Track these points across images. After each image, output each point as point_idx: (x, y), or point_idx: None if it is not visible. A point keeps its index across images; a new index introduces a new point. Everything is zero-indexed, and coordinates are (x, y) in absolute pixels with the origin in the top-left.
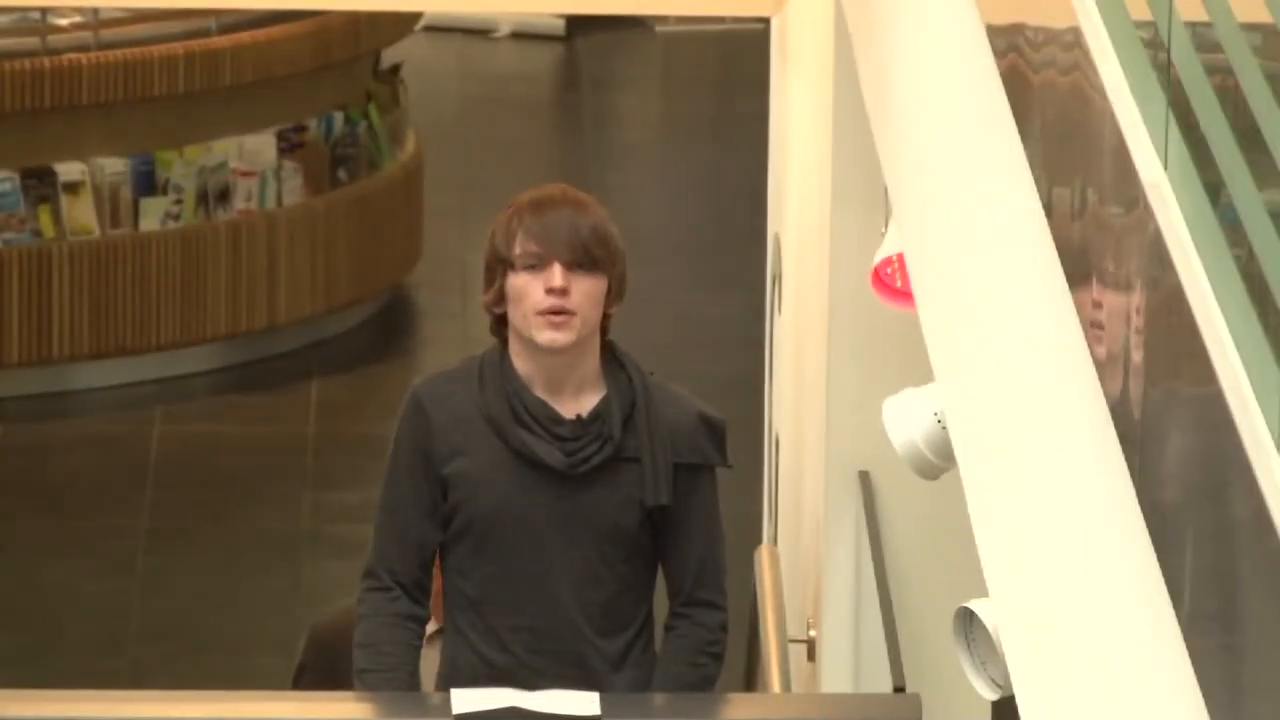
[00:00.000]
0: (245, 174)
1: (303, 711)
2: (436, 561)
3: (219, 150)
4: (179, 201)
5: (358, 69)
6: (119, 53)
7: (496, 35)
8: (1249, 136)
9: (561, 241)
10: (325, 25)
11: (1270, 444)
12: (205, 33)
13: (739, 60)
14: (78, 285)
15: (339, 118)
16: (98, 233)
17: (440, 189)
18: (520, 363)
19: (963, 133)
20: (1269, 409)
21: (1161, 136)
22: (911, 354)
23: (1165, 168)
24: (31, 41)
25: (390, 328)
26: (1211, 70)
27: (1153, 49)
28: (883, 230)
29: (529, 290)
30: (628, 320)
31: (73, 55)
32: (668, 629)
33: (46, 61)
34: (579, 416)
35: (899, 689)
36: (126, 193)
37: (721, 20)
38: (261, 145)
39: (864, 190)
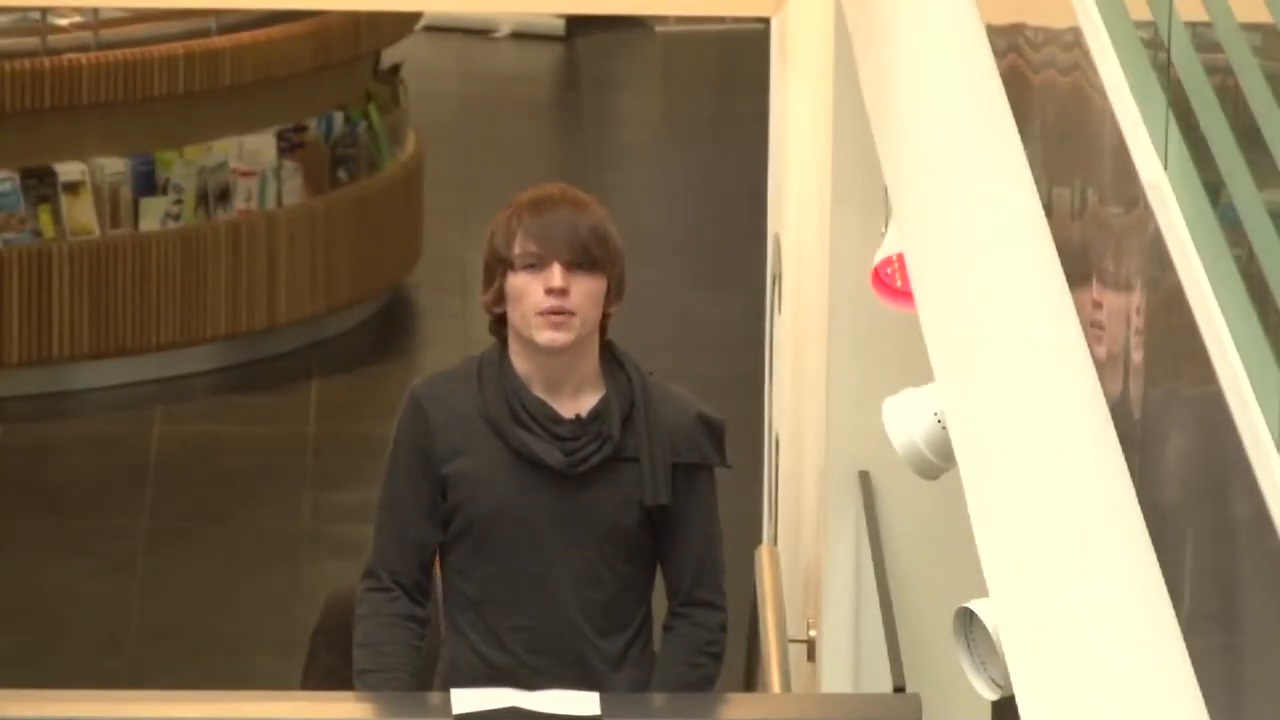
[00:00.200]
0: (245, 174)
1: (303, 711)
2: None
3: (219, 150)
4: (179, 201)
5: (358, 69)
6: (119, 53)
7: (496, 35)
8: (1249, 136)
9: (561, 241)
10: (325, 25)
11: (1270, 444)
12: (205, 33)
13: (739, 60)
14: (78, 285)
15: (339, 118)
16: (98, 233)
17: (440, 189)
18: (519, 362)
19: (963, 133)
20: (1269, 409)
21: (1161, 136)
22: (911, 354)
23: (1165, 168)
24: (31, 41)
25: (390, 328)
26: (1211, 70)
27: (1153, 49)
28: (883, 230)
29: (528, 290)
30: (628, 320)
31: (73, 55)
32: (666, 629)
33: (46, 61)
34: (578, 416)
35: (899, 689)
36: (126, 193)
37: (721, 20)
38: (261, 145)
39: (864, 190)
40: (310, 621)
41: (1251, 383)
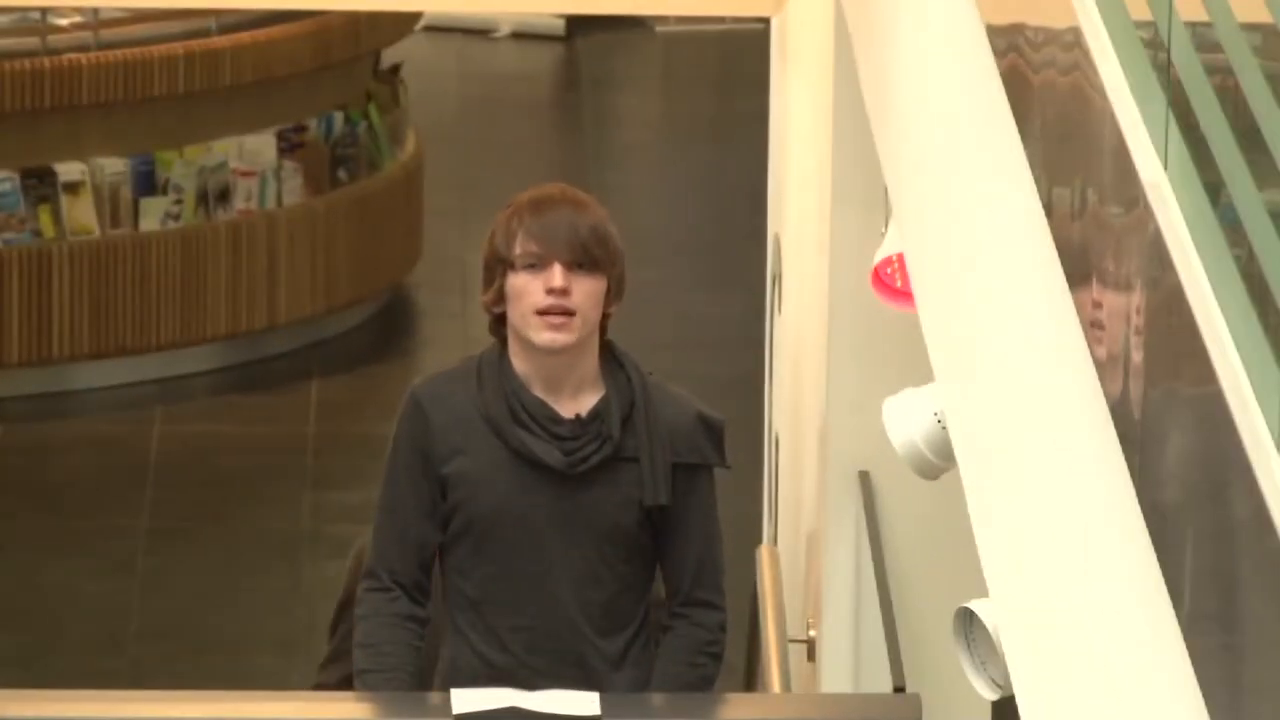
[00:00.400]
0: (245, 174)
1: (303, 711)
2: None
3: (219, 150)
4: (179, 201)
5: (358, 69)
6: (119, 53)
7: (496, 35)
8: (1249, 136)
9: (561, 241)
10: (325, 25)
11: (1270, 444)
12: (205, 33)
13: (739, 60)
14: (78, 285)
15: (339, 118)
16: (98, 233)
17: (440, 189)
18: (519, 362)
19: (963, 133)
20: (1269, 409)
21: (1161, 136)
22: (911, 354)
23: (1165, 168)
24: (31, 41)
25: (390, 328)
26: (1211, 70)
27: (1153, 49)
28: (883, 230)
29: (529, 290)
30: (628, 320)
31: (73, 55)
32: (666, 629)
33: (46, 61)
34: (578, 416)
35: (899, 689)
36: (126, 193)
37: (721, 20)
38: (261, 145)
39: (864, 190)
40: (310, 621)
41: (1251, 383)
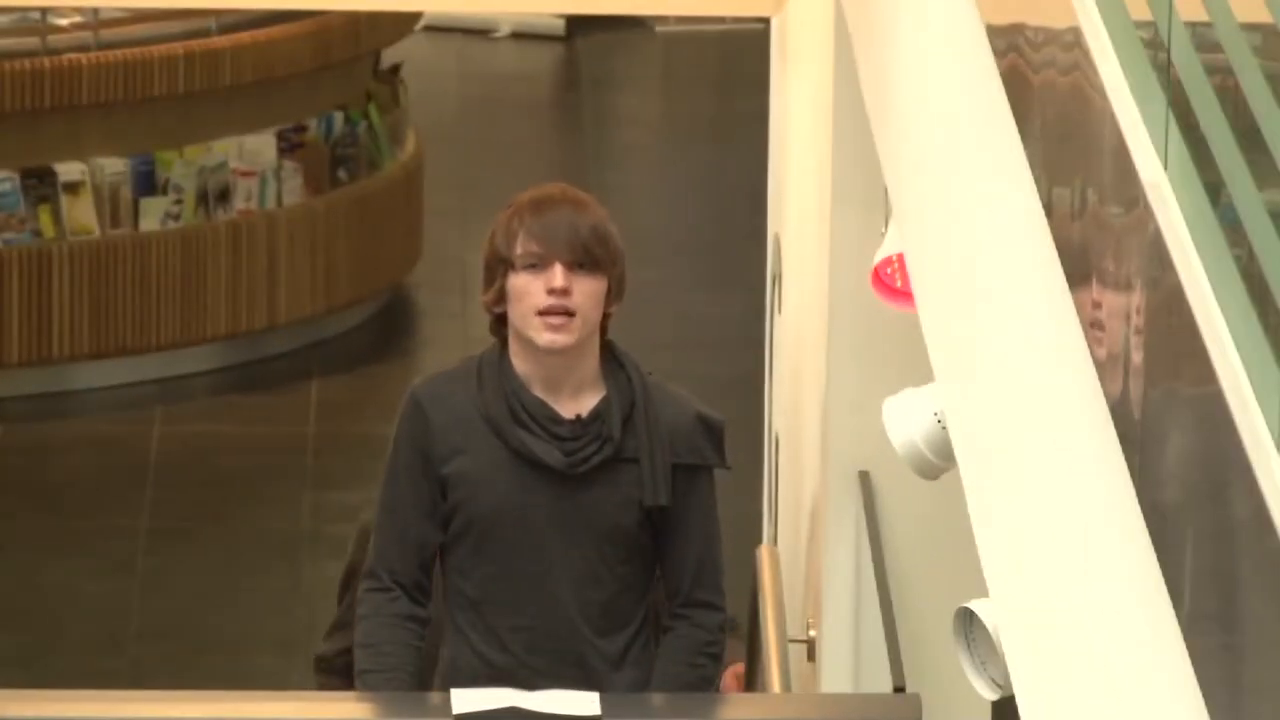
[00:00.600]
0: (245, 174)
1: (303, 711)
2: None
3: (219, 150)
4: (179, 201)
5: (358, 69)
6: (119, 53)
7: (496, 35)
8: (1249, 136)
9: (562, 241)
10: (325, 25)
11: (1270, 444)
12: (205, 33)
13: (739, 60)
14: (78, 285)
15: (339, 118)
16: (98, 233)
17: (440, 189)
18: (519, 362)
19: (963, 133)
20: (1269, 409)
21: (1161, 136)
22: (911, 354)
23: (1165, 168)
24: (31, 41)
25: (390, 328)
26: (1211, 70)
27: (1153, 49)
28: (883, 230)
29: (529, 290)
30: (628, 320)
31: (73, 55)
32: (666, 629)
33: (46, 61)
34: (578, 416)
35: (899, 689)
36: (126, 193)
37: (721, 20)
38: (261, 145)
39: (864, 190)
40: (311, 621)
41: (1251, 383)
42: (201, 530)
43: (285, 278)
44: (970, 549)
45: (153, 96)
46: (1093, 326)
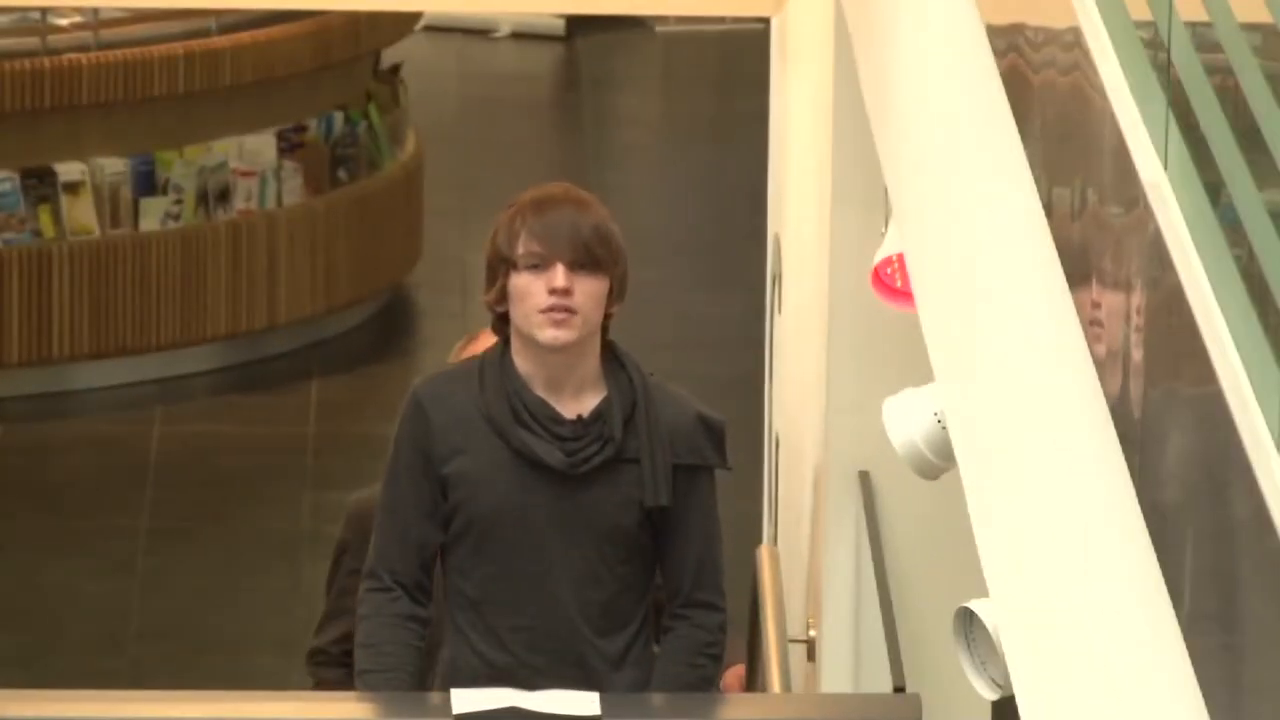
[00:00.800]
0: (245, 174)
1: (303, 711)
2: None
3: (219, 150)
4: (179, 201)
5: (358, 69)
6: (119, 53)
7: (496, 35)
8: (1249, 136)
9: (564, 241)
10: (325, 25)
11: (1270, 444)
12: (205, 33)
13: (739, 60)
14: (78, 285)
15: (339, 118)
16: (98, 233)
17: (440, 189)
18: (521, 362)
19: (963, 133)
20: (1269, 409)
21: (1161, 136)
22: (911, 354)
23: (1165, 168)
24: (31, 41)
25: (390, 328)
26: (1211, 70)
27: (1153, 49)
28: (883, 230)
29: (531, 290)
30: (628, 320)
31: (73, 55)
32: (666, 630)
33: (46, 61)
34: (580, 417)
35: (899, 689)
36: (126, 193)
37: (721, 20)
38: (261, 145)
39: (864, 190)
40: (310, 621)
41: (1251, 383)
42: (201, 530)
43: (285, 278)
44: (970, 549)
45: (153, 96)
46: (1093, 326)
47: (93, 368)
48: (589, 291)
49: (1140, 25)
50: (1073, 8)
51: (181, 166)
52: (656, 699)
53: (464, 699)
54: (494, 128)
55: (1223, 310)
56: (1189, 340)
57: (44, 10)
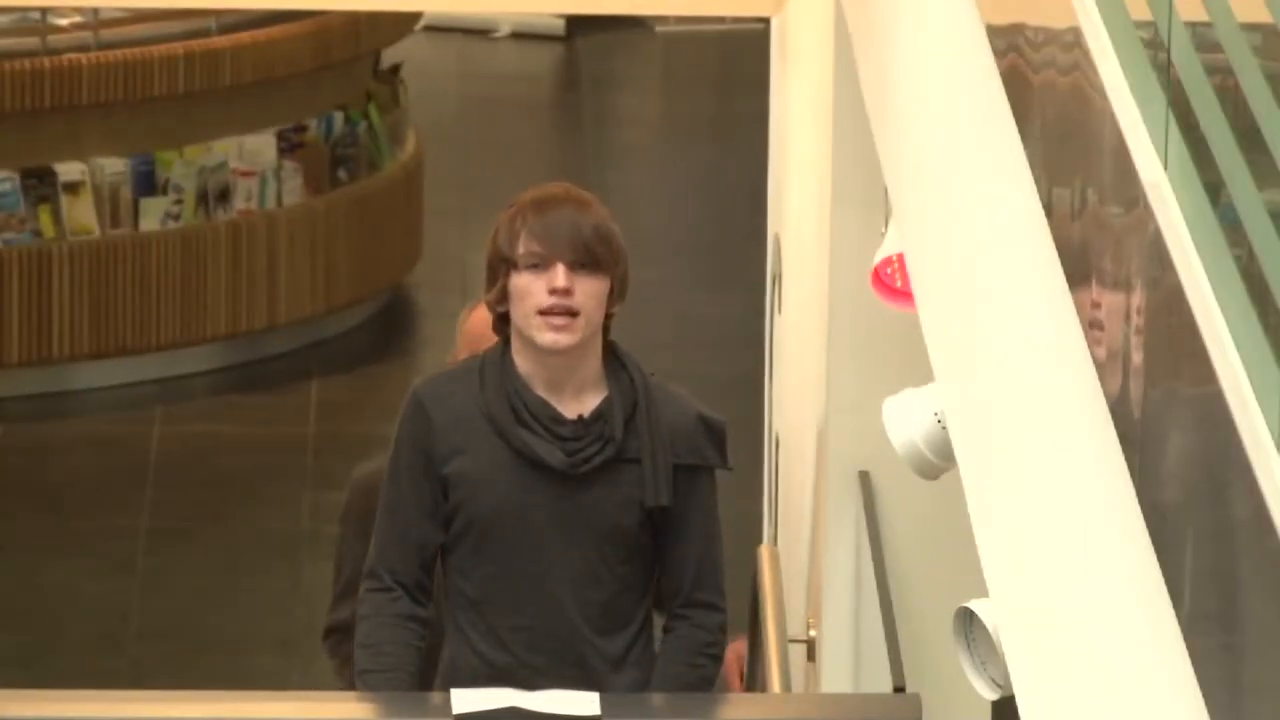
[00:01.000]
0: (245, 174)
1: (303, 711)
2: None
3: (219, 150)
4: (179, 201)
5: (358, 69)
6: (119, 53)
7: (496, 35)
8: (1249, 136)
9: (564, 241)
10: (325, 25)
11: (1270, 444)
12: (205, 33)
13: (739, 60)
14: (78, 285)
15: (339, 118)
16: (98, 233)
17: (440, 189)
18: (521, 362)
19: (963, 133)
20: (1269, 409)
21: (1161, 136)
22: (911, 354)
23: (1165, 168)
24: (31, 41)
25: (390, 328)
26: (1211, 70)
27: (1153, 49)
28: (883, 230)
29: (532, 290)
30: (628, 320)
31: (73, 55)
32: (666, 630)
33: (46, 61)
34: (580, 417)
35: (899, 689)
36: (126, 193)
37: (721, 20)
38: (261, 145)
39: (864, 190)
40: (310, 621)
41: (1251, 383)
42: (201, 530)
43: (285, 278)
44: (970, 549)
45: (153, 96)
46: (1093, 326)
47: (93, 368)
48: (589, 291)
49: (1140, 25)
50: (1073, 8)
51: (181, 166)
52: (656, 699)
53: (464, 699)
54: (494, 128)
55: (1223, 310)
56: (1189, 340)
57: (44, 10)
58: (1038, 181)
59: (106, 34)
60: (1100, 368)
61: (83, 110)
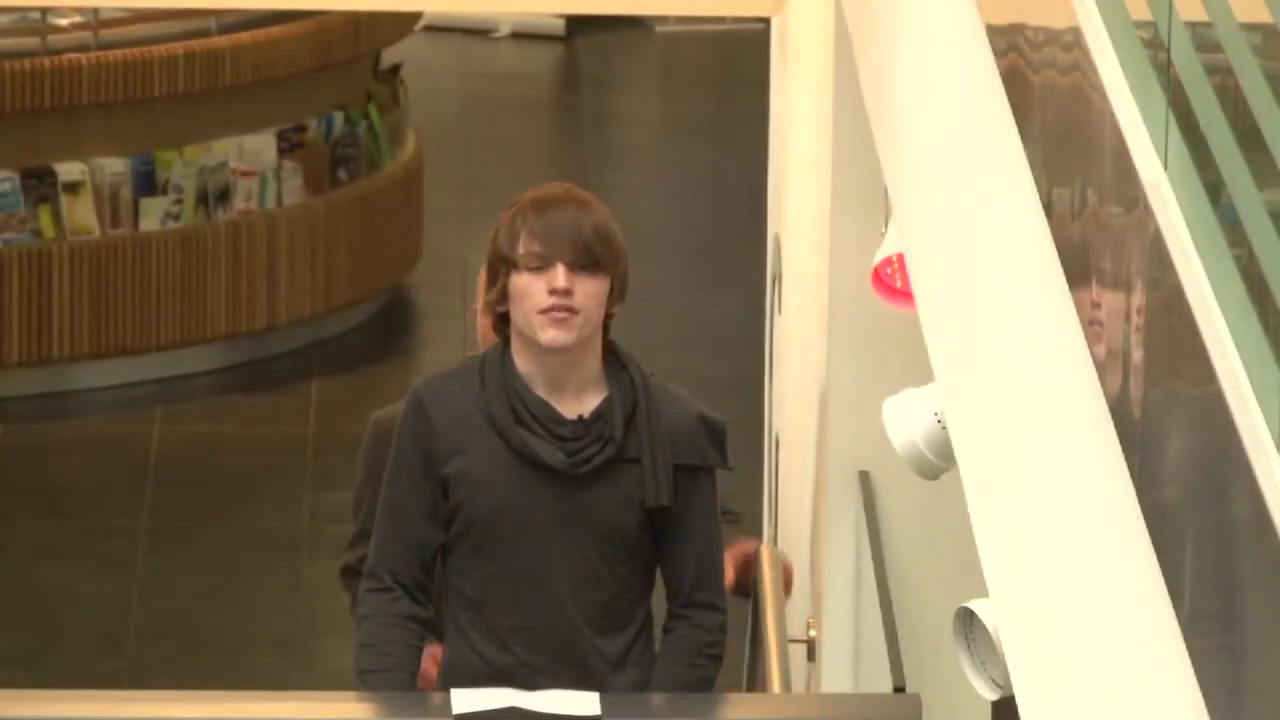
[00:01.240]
0: (245, 174)
1: (303, 711)
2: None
3: (219, 150)
4: (179, 201)
5: (358, 69)
6: (119, 53)
7: (496, 35)
8: (1249, 136)
9: (565, 241)
10: (325, 25)
11: (1270, 444)
12: (205, 33)
13: (739, 60)
14: (78, 285)
15: (339, 118)
16: (98, 233)
17: (440, 189)
18: (522, 362)
19: (963, 133)
20: (1269, 409)
21: (1161, 136)
22: (911, 354)
23: (1165, 168)
24: (31, 41)
25: (390, 328)
26: (1211, 70)
27: (1153, 49)
28: (883, 230)
29: (532, 290)
30: (628, 320)
31: (73, 55)
32: (666, 630)
33: (46, 61)
34: (580, 417)
35: (899, 689)
36: (126, 193)
37: (721, 20)
38: (261, 145)
39: (864, 190)
40: (310, 621)
41: (1251, 383)
42: (201, 530)
43: (285, 278)
44: (970, 549)
45: (153, 96)
46: (1093, 326)
47: (93, 368)
48: (590, 291)
49: (1140, 25)
50: (1073, 8)
51: (181, 166)
52: (656, 699)
53: (464, 699)
54: (494, 128)
55: (1223, 310)
56: (1189, 340)
57: (44, 10)
58: (1038, 181)
59: (106, 34)
60: (1100, 368)
61: (83, 110)
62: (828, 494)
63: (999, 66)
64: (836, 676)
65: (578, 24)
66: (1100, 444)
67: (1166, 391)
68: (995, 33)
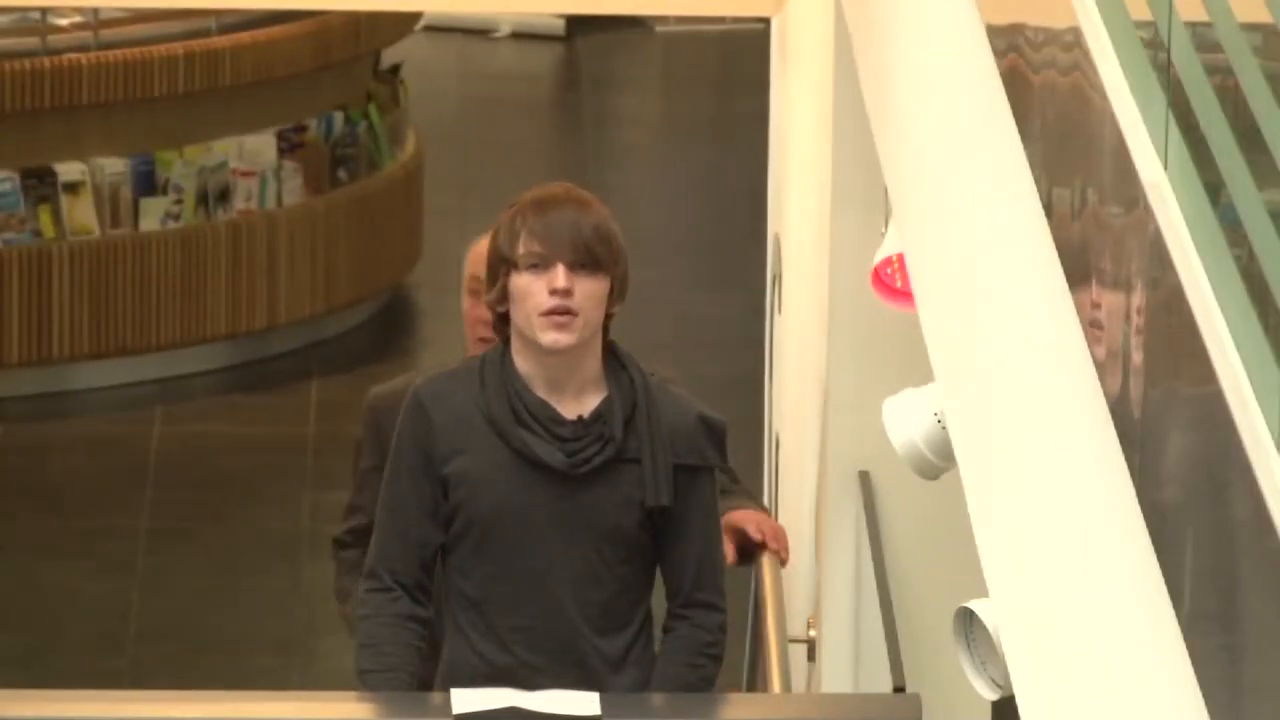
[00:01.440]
0: (245, 174)
1: (303, 711)
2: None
3: (219, 150)
4: (179, 201)
5: (358, 69)
6: (119, 53)
7: (496, 35)
8: (1249, 136)
9: (565, 241)
10: (325, 25)
11: (1270, 444)
12: (205, 33)
13: (739, 60)
14: (78, 285)
15: (339, 118)
16: (98, 233)
17: (440, 189)
18: (522, 362)
19: (963, 133)
20: (1269, 409)
21: (1161, 136)
22: (911, 354)
23: (1165, 168)
24: (31, 41)
25: (390, 328)
26: (1211, 70)
27: (1153, 49)
28: (883, 230)
29: (532, 290)
30: (628, 320)
31: (73, 55)
32: (666, 630)
33: (46, 61)
34: (580, 417)
35: (899, 689)
36: (126, 193)
37: (721, 20)
38: (261, 145)
39: (864, 190)
40: (310, 621)
41: (1251, 383)
42: (201, 530)
43: (285, 278)
44: (970, 549)
45: (153, 96)
46: (1092, 326)
47: (93, 368)
48: (589, 292)
49: (1140, 25)
50: (1073, 8)
51: (181, 166)
52: (656, 699)
53: (464, 699)
54: (494, 128)
55: (1223, 310)
56: (1189, 340)
57: (44, 10)
58: (1038, 181)
59: (106, 34)
60: (1100, 368)
61: (82, 110)
62: (828, 494)
63: (999, 66)
64: (836, 676)
65: (578, 24)
66: (1100, 444)
67: (1166, 391)
68: (995, 33)
